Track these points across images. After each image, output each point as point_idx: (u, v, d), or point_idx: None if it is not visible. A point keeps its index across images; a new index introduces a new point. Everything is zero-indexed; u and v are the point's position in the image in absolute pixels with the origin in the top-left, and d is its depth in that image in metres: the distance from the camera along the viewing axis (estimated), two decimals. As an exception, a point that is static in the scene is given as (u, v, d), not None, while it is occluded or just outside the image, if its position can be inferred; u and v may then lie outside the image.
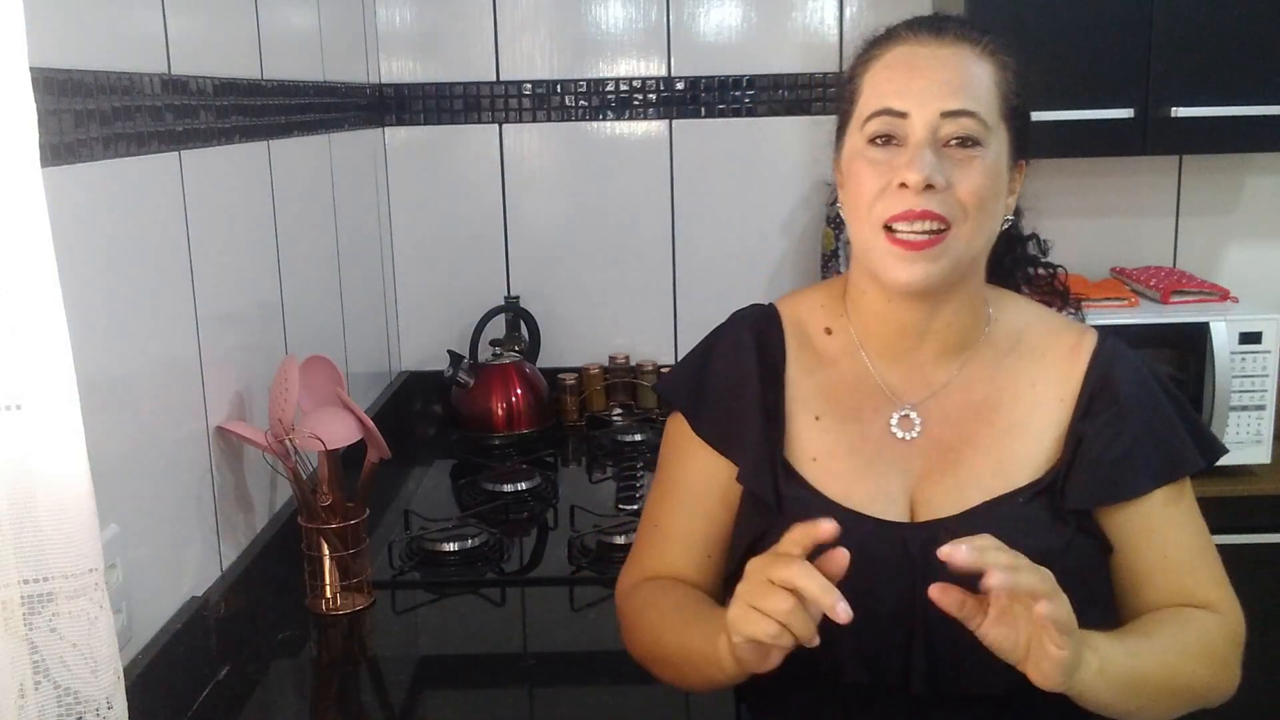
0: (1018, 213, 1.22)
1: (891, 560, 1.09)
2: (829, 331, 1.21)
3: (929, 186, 1.05)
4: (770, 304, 1.25)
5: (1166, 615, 1.12)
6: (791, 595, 0.91)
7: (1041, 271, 1.29)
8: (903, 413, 1.16)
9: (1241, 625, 1.15)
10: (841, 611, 0.90)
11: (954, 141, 1.08)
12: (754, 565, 0.96)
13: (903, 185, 1.06)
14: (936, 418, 1.15)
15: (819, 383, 1.18)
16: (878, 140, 1.10)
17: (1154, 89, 2.23)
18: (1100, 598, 1.14)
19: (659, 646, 1.14)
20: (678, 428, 1.22)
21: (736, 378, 1.18)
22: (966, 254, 1.09)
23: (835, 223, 2.43)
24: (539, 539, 1.97)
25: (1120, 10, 2.21)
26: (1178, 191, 2.58)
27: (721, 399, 1.19)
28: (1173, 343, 2.20)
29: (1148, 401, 1.14)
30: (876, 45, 1.15)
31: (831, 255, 2.45)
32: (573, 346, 2.62)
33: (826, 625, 1.08)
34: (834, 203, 2.45)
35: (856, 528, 1.10)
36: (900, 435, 1.15)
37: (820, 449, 1.15)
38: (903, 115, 1.08)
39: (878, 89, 1.11)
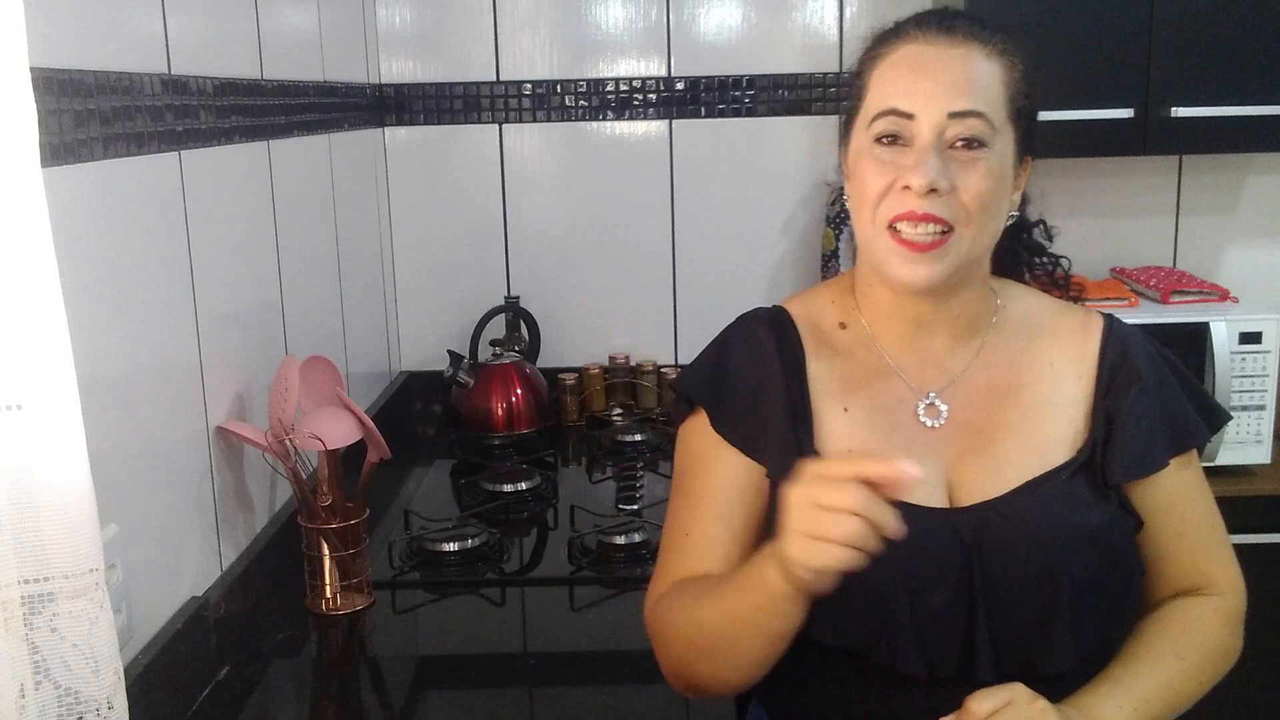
0: (1024, 200, 1.23)
1: (944, 547, 1.09)
2: (843, 326, 1.21)
3: (932, 190, 1.06)
4: (777, 306, 1.25)
5: (1170, 630, 1.15)
6: (855, 517, 0.90)
7: (1044, 260, 1.30)
8: (927, 400, 1.17)
9: (1243, 595, 1.20)
10: (894, 530, 0.92)
11: (959, 143, 1.08)
12: (797, 495, 0.93)
13: (906, 187, 1.07)
14: (961, 403, 1.16)
15: (842, 375, 1.19)
16: (884, 139, 1.10)
17: (1154, 89, 2.23)
18: (1136, 574, 1.16)
19: (700, 630, 1.08)
20: (698, 432, 1.20)
21: (758, 377, 1.18)
22: (970, 255, 1.10)
23: (835, 223, 2.43)
24: (539, 539, 1.97)
25: (1120, 10, 2.21)
26: (1178, 191, 2.58)
27: (744, 399, 1.18)
28: (1173, 343, 2.16)
29: (1159, 377, 1.17)
30: (884, 42, 1.15)
31: (831, 255, 2.45)
32: (573, 346, 2.62)
33: (887, 616, 1.08)
34: (834, 202, 2.45)
35: (906, 517, 1.09)
36: (928, 423, 1.16)
37: (854, 440, 1.15)
38: (909, 116, 1.08)
39: (884, 88, 1.11)
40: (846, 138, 1.18)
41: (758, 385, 1.18)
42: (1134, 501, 1.15)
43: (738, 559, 1.16)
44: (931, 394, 1.17)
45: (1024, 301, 1.23)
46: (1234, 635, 1.18)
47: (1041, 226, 1.30)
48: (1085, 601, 1.09)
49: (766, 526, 1.17)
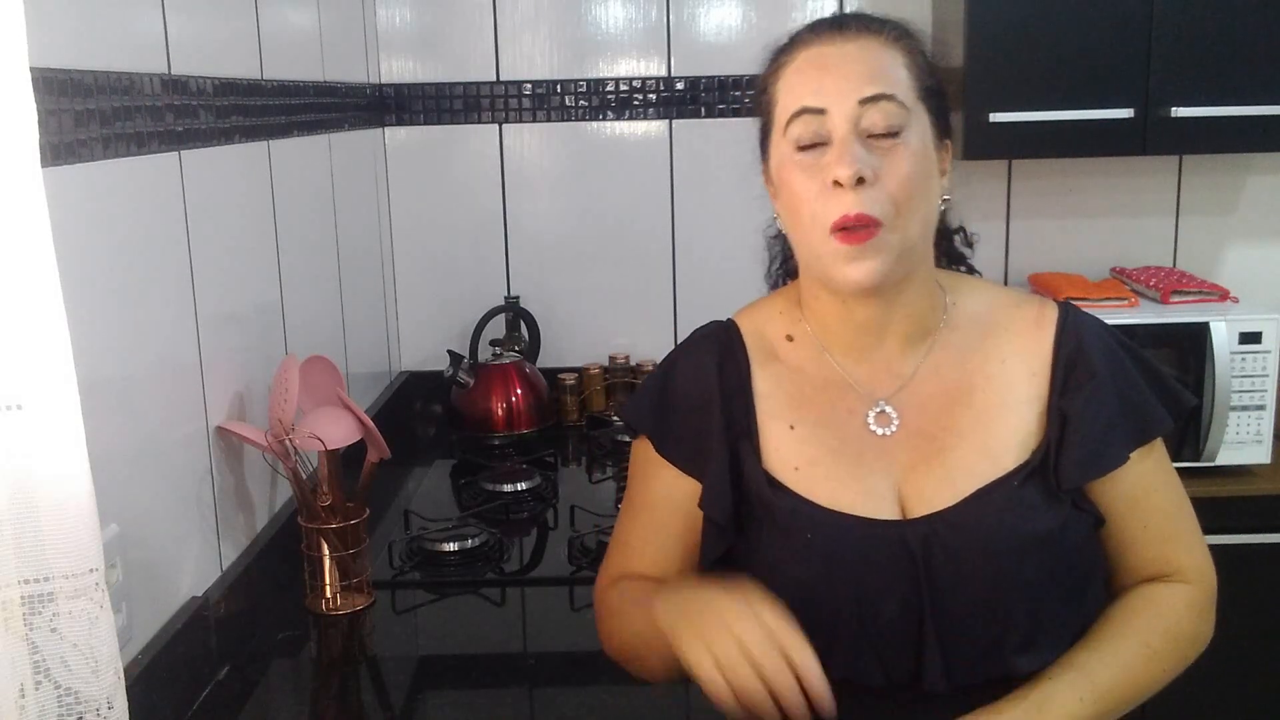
0: (946, 203, 1.23)
1: (892, 560, 1.08)
2: (790, 338, 1.21)
3: (860, 180, 1.05)
4: (729, 320, 1.25)
5: (1135, 616, 1.14)
6: (757, 679, 0.94)
7: (962, 270, 1.29)
8: (878, 409, 1.15)
9: (1213, 582, 1.18)
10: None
11: (878, 131, 1.08)
12: (735, 612, 0.97)
13: (836, 183, 1.06)
14: (912, 409, 1.15)
15: (788, 391, 1.18)
16: (804, 145, 1.10)
17: (1154, 89, 2.23)
18: (1097, 570, 1.15)
19: (621, 639, 1.17)
20: (644, 450, 1.22)
21: (700, 399, 1.18)
22: (907, 243, 1.09)
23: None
24: (539, 539, 1.97)
25: (1120, 10, 2.21)
26: (1178, 191, 2.58)
27: (686, 420, 1.18)
28: (1173, 343, 2.20)
29: (1117, 367, 1.15)
30: (783, 53, 1.15)
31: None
32: (573, 346, 2.62)
33: (836, 628, 1.08)
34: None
35: (853, 531, 1.10)
36: (879, 432, 1.15)
37: (801, 457, 1.14)
38: (822, 112, 1.08)
39: (793, 92, 1.12)
40: (765, 155, 1.18)
41: (701, 409, 1.18)
42: (1093, 497, 1.14)
43: (678, 572, 1.19)
44: (882, 401, 1.16)
45: (975, 297, 1.21)
46: (1202, 622, 1.17)
47: (962, 234, 1.29)
48: (1041, 606, 1.08)
49: (702, 547, 1.18)
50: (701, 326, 1.25)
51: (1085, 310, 1.19)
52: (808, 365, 1.19)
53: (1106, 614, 1.15)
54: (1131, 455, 1.13)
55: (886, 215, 1.07)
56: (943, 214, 1.21)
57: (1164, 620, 1.14)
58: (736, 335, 1.22)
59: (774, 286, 1.31)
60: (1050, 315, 1.17)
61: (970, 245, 1.29)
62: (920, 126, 1.11)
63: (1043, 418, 1.13)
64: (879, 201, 1.06)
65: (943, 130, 1.15)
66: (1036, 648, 1.09)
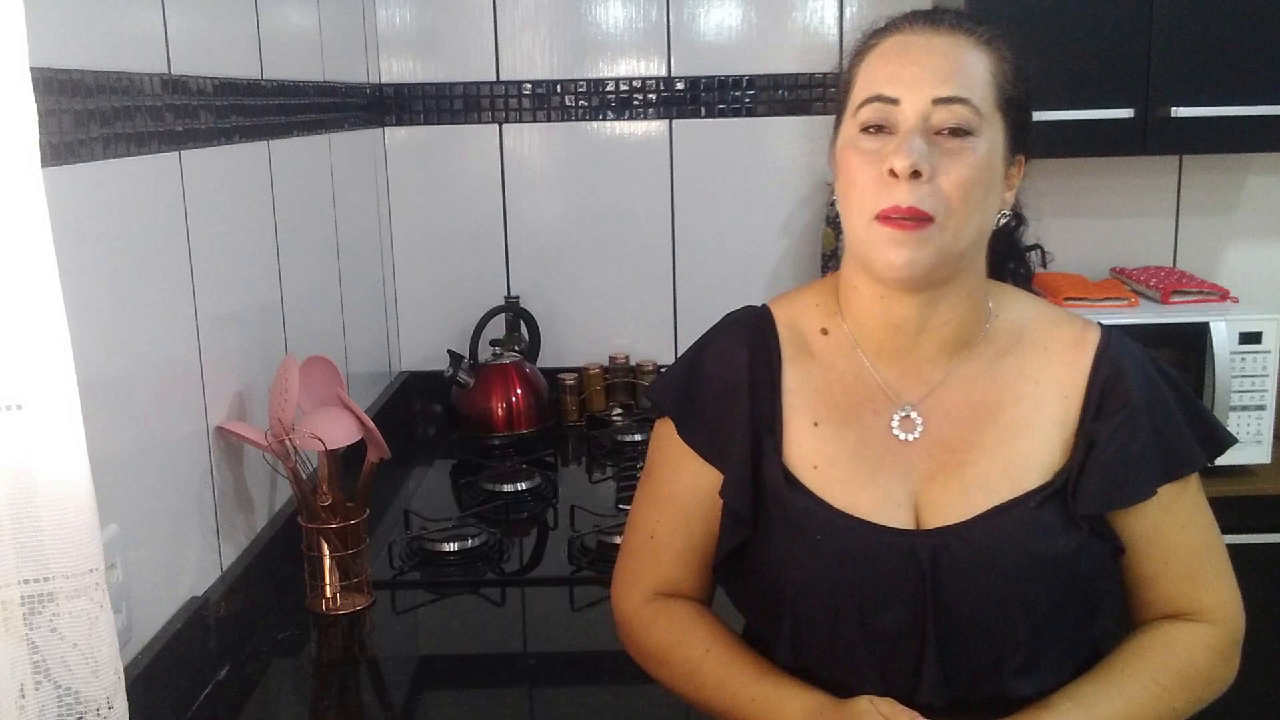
0: (1021, 220, 1.21)
1: (900, 569, 1.07)
2: (825, 332, 1.19)
3: (915, 174, 1.04)
4: (763, 306, 1.23)
5: (1147, 651, 1.13)
6: None
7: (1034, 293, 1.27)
8: (903, 413, 1.14)
9: (1238, 624, 1.16)
10: None
11: (946, 130, 1.06)
12: None
13: (892, 172, 1.05)
14: (937, 417, 1.13)
15: (816, 387, 1.16)
16: (870, 129, 1.09)
17: (1154, 89, 2.23)
18: (1111, 599, 1.13)
19: (698, 693, 1.15)
20: (668, 434, 1.20)
21: (727, 387, 1.17)
22: (954, 246, 1.07)
23: (835, 223, 2.43)
24: (539, 539, 1.97)
25: (1120, 10, 2.22)
26: (1178, 191, 2.58)
27: (711, 407, 1.17)
28: (1173, 343, 2.20)
29: (1154, 399, 1.12)
30: (873, 36, 1.14)
31: (831, 255, 2.45)
32: (573, 346, 2.62)
33: (837, 632, 1.08)
34: (834, 203, 2.45)
35: (864, 536, 1.09)
36: (902, 437, 1.13)
37: (821, 456, 1.13)
38: (894, 102, 1.07)
39: (871, 76, 1.10)
40: (836, 133, 1.17)
41: (727, 396, 1.16)
42: (1116, 527, 1.11)
43: (706, 565, 1.19)
44: (908, 406, 1.14)
45: (1019, 310, 1.18)
46: (1221, 665, 1.14)
47: (1038, 252, 1.27)
48: (1045, 629, 1.07)
49: (719, 533, 1.17)
50: (735, 311, 1.23)
51: (1129, 339, 1.16)
52: (839, 362, 1.17)
53: (1118, 648, 1.13)
54: (1161, 490, 1.11)
55: (939, 212, 1.05)
56: (1014, 230, 1.20)
57: (1178, 659, 1.11)
58: (770, 324, 1.20)
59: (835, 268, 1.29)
60: (1091, 339, 1.15)
61: (1045, 263, 1.28)
62: (992, 135, 1.08)
63: (1069, 441, 1.11)
64: (935, 199, 1.05)
65: (1017, 144, 1.12)
66: (1037, 671, 1.07)
